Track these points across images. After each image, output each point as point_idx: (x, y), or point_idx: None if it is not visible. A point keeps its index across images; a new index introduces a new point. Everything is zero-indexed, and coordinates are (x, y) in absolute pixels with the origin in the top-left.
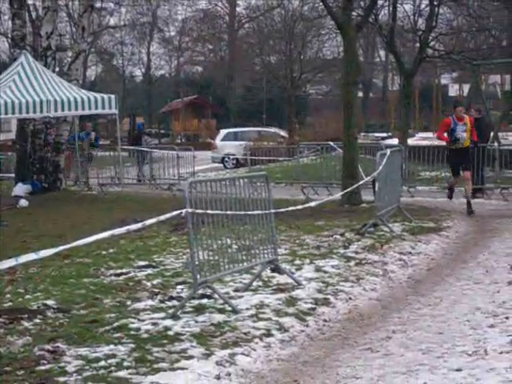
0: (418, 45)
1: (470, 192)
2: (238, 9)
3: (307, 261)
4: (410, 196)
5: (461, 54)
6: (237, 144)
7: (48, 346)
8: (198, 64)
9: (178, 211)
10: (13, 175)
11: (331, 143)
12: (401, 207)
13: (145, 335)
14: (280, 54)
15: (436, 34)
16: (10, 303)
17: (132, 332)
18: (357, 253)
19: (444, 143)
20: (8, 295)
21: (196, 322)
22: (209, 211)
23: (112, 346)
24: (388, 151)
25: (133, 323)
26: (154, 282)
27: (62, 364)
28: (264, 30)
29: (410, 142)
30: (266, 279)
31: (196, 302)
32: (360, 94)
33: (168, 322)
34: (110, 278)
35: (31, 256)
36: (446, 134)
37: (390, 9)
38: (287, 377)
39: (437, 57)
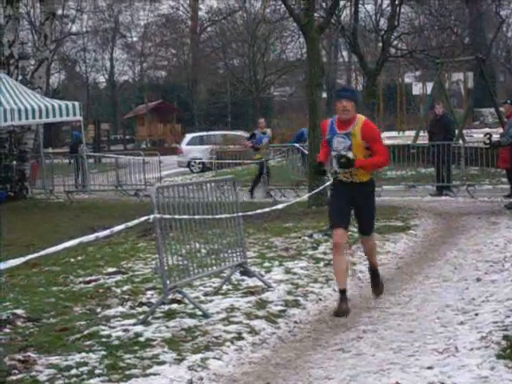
0: (380, 44)
1: (375, 264)
2: (199, 13)
3: (276, 263)
4: (376, 195)
5: (423, 52)
6: (203, 148)
7: (19, 356)
8: (162, 69)
9: (146, 217)
10: None
11: (297, 145)
12: None
13: (116, 342)
14: (243, 56)
15: (398, 34)
16: None
17: (103, 339)
18: (325, 254)
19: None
20: None
21: (167, 327)
22: (176, 216)
23: (83, 354)
24: None
25: (103, 330)
26: (124, 288)
27: (34, 373)
28: (226, 33)
29: None
30: (236, 282)
31: (166, 307)
32: (324, 95)
33: (139, 328)
34: (79, 285)
35: None
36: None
37: (352, 9)
38: (259, 380)
39: (400, 56)
